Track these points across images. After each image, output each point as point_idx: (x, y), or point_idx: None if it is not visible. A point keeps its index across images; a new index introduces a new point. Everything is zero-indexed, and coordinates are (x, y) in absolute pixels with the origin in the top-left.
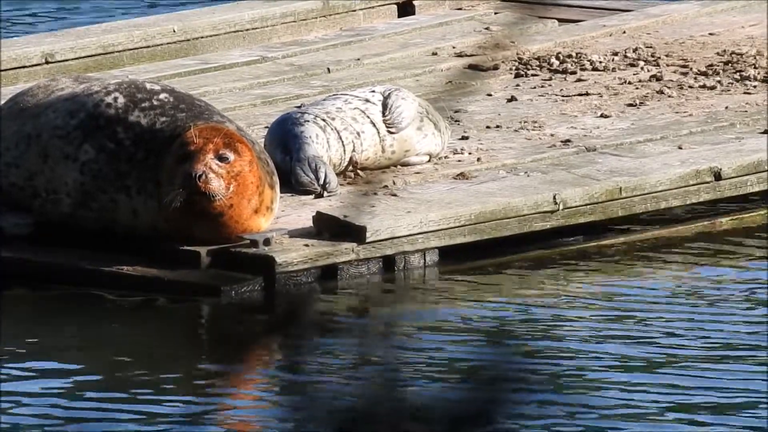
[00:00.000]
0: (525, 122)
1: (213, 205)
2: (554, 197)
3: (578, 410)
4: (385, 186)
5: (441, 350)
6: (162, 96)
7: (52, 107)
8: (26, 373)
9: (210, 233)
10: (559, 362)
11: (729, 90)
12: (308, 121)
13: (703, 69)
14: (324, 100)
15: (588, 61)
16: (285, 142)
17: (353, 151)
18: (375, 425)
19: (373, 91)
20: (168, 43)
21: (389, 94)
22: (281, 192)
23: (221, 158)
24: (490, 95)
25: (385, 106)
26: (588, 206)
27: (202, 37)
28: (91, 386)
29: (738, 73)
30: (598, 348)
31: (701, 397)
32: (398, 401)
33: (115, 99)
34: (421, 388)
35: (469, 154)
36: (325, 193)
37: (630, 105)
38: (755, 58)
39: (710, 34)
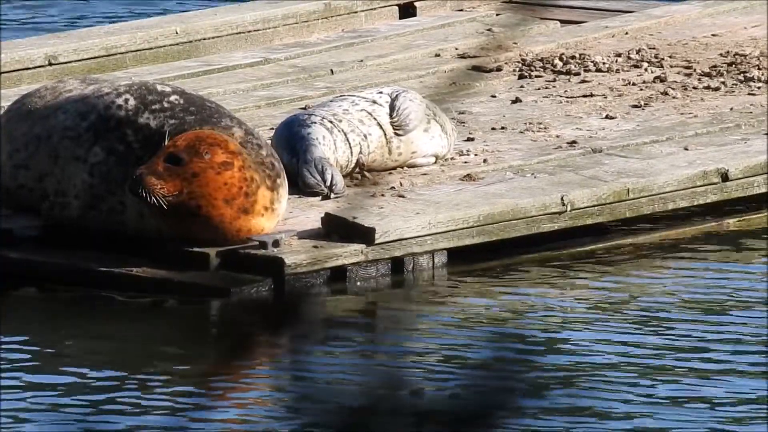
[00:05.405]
0: (530, 123)
1: (157, 205)
2: (562, 198)
3: (583, 410)
4: (392, 187)
5: (446, 351)
6: (172, 98)
7: (62, 109)
8: (34, 373)
9: (196, 234)
10: (566, 362)
11: (733, 91)
12: (315, 122)
13: (707, 70)
14: (330, 101)
15: (591, 62)
16: (292, 144)
17: (360, 152)
18: (378, 425)
19: (381, 93)
20: (170, 45)
21: (397, 95)
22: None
23: (171, 160)
24: (494, 96)
25: (392, 107)
26: (596, 207)
27: (204, 39)
28: (99, 386)
29: (742, 75)
30: (605, 348)
31: (705, 396)
32: (402, 401)
33: (126, 101)
34: (426, 388)
35: (475, 155)
36: (332, 195)
37: (635, 106)
38: (759, 59)
39: (713, 35)
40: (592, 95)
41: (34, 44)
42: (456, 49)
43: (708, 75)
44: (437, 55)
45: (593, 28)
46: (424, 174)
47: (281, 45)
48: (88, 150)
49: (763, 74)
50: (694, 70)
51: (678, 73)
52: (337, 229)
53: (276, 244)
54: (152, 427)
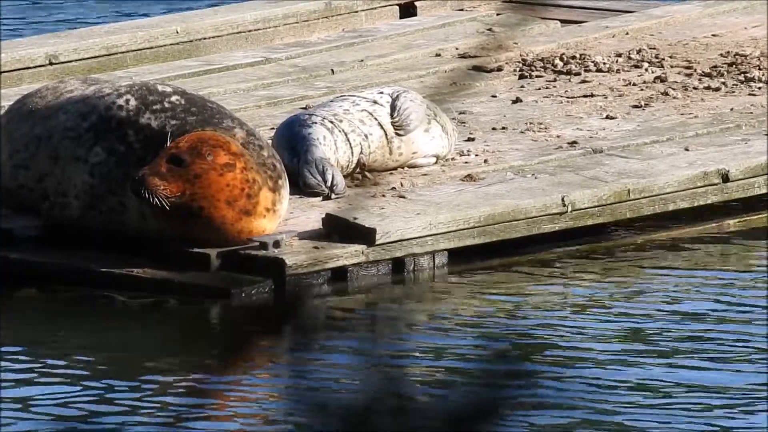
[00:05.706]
0: (531, 124)
1: (159, 206)
2: (563, 199)
3: (582, 410)
4: (393, 188)
5: (446, 352)
6: (173, 98)
7: (63, 109)
8: (35, 374)
9: (198, 235)
10: (566, 362)
11: (734, 92)
12: (316, 123)
13: (707, 70)
14: (331, 101)
15: (592, 62)
16: (293, 144)
17: (361, 153)
18: (376, 427)
19: (381, 93)
20: (171, 44)
21: (398, 95)
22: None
23: (173, 162)
24: (494, 96)
25: (393, 107)
26: (596, 208)
27: (204, 38)
28: (100, 387)
29: (742, 75)
30: (606, 349)
31: (706, 395)
32: (400, 403)
33: (127, 101)
34: (426, 388)
35: (476, 155)
36: (333, 195)
37: (635, 106)
38: (759, 59)
39: (713, 35)
40: (592, 95)
41: (35, 44)
42: (456, 48)
43: (708, 75)
44: (438, 55)
45: (593, 28)
46: (425, 174)
47: (282, 44)
48: (88, 150)
49: (763, 74)
50: (695, 71)
51: (678, 73)
52: (337, 229)
53: (277, 244)
54: (152, 429)
